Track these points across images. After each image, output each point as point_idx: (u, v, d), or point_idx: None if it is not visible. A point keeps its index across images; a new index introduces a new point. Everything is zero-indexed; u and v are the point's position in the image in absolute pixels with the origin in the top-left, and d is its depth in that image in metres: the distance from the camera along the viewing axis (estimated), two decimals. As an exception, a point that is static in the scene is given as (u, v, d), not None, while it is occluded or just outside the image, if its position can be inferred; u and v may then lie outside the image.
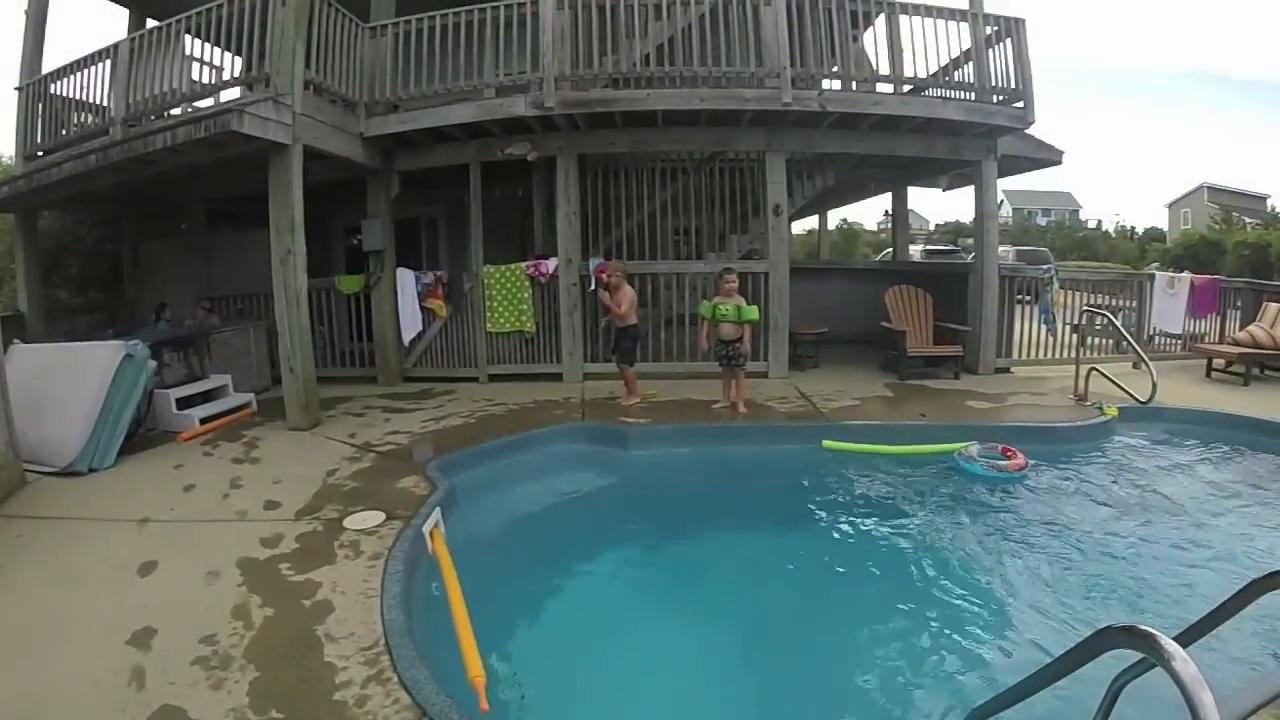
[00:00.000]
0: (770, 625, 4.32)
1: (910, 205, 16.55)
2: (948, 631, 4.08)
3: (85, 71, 8.67)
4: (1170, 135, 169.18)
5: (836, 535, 5.48)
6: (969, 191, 10.52)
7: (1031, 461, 6.44)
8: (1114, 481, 6.32)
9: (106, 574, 4.19)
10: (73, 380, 6.57)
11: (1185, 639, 2.30)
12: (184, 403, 7.63)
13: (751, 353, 8.23)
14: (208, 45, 7.91)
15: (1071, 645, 2.22)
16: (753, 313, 7.72)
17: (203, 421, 7.52)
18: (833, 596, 4.67)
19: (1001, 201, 58.84)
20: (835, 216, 34.06)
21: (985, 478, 6.25)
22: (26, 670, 3.23)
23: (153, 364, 6.96)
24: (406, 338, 9.88)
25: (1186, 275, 11.51)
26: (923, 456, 6.77)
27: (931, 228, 59.07)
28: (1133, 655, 1.92)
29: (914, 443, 6.98)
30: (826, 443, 6.92)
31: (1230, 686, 2.25)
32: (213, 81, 8.02)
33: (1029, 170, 13.11)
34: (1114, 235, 55.61)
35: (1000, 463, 6.32)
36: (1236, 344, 10.02)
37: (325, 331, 9.99)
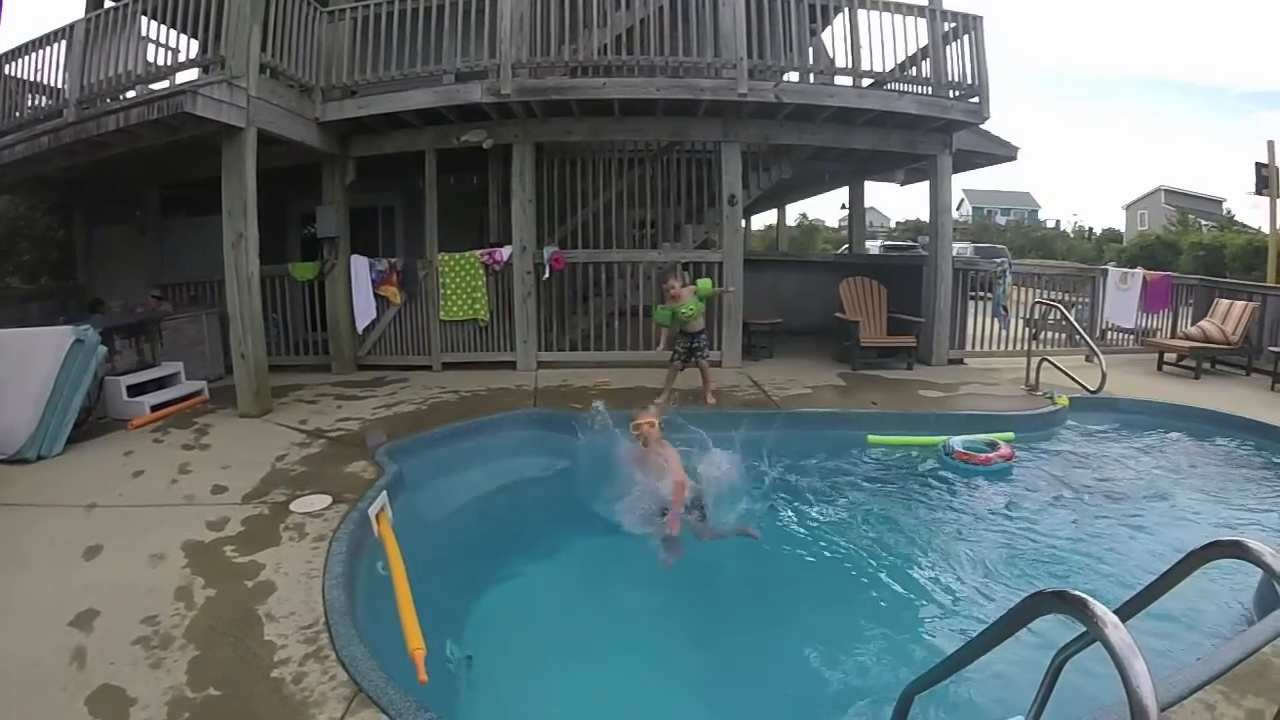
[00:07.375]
0: (717, 606, 4.47)
1: (871, 203, 16.76)
2: (876, 613, 4.23)
3: (40, 52, 8.44)
4: (1129, 139, 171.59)
5: (785, 519, 5.60)
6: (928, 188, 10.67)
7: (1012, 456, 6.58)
8: (1064, 466, 6.53)
9: (52, 557, 4.18)
10: (21, 366, 6.44)
11: (1125, 612, 2.29)
12: (135, 390, 7.52)
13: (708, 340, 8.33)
14: (164, 27, 7.78)
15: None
16: (707, 285, 7.92)
17: (154, 409, 7.44)
18: (775, 585, 4.80)
19: (961, 200, 59.65)
20: (795, 211, 34.27)
21: (959, 468, 6.42)
22: (-34, 650, 3.22)
23: (103, 350, 6.87)
24: (360, 325, 9.83)
25: (1139, 271, 11.73)
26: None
27: (892, 225, 59.60)
28: (1075, 630, 1.85)
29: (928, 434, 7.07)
30: (871, 437, 7.01)
31: (1178, 663, 2.32)
32: (168, 64, 7.89)
33: (984, 165, 13.27)
34: (1072, 235, 56.48)
35: (982, 455, 6.46)
36: (1188, 339, 10.29)
37: (279, 319, 9.91)
